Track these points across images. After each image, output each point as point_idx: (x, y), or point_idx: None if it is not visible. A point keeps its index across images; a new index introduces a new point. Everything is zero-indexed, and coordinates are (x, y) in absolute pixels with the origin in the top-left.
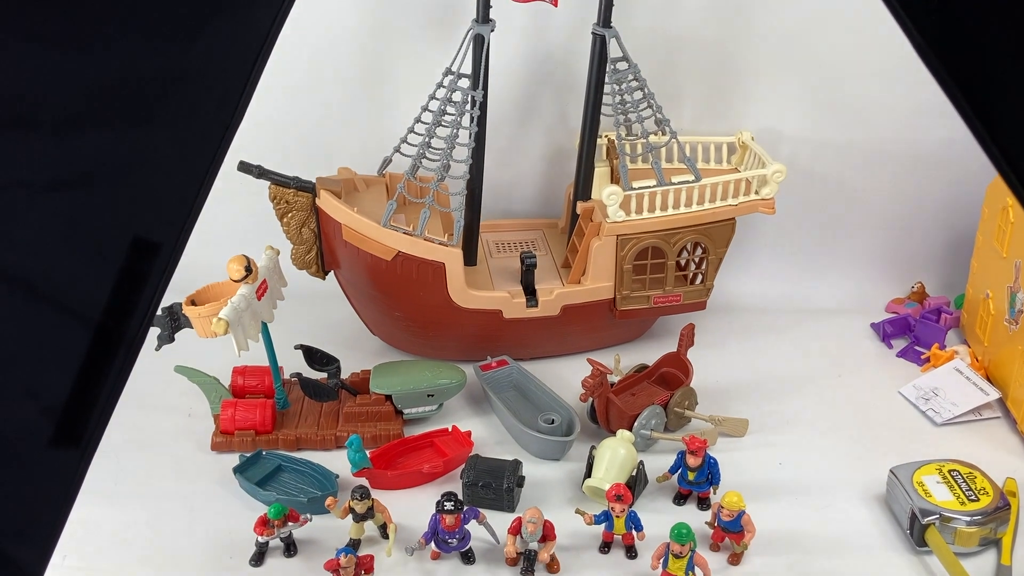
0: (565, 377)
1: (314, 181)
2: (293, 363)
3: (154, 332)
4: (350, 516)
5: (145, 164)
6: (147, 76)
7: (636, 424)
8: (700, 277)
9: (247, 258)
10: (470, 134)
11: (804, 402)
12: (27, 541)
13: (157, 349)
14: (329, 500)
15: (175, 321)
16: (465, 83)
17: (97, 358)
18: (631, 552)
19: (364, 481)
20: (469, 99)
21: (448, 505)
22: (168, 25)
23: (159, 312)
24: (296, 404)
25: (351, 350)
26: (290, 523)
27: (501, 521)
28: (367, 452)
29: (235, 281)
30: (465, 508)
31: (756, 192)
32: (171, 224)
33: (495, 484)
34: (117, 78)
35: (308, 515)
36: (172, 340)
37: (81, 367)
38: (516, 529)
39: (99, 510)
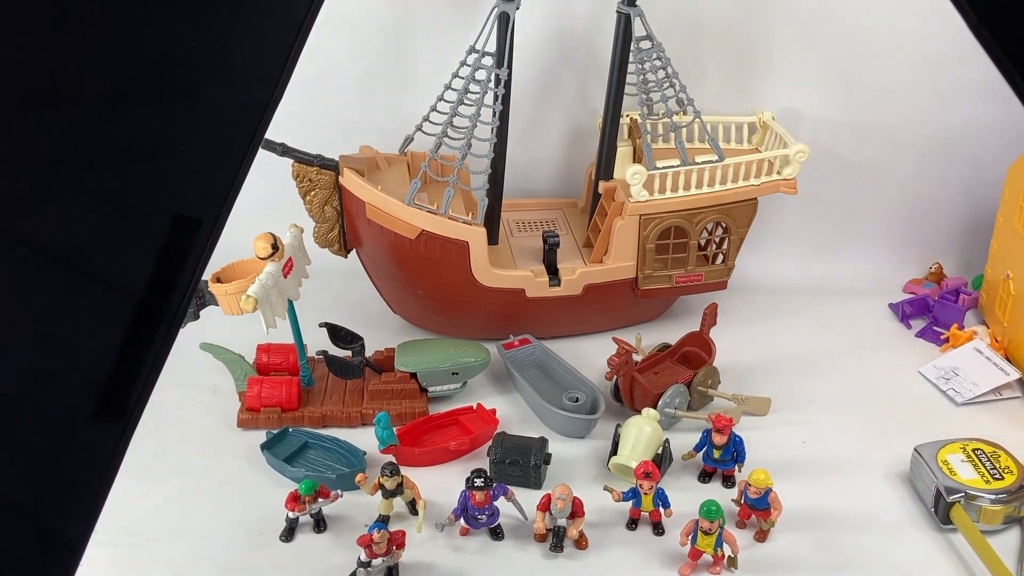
0: (586, 356)
1: (337, 159)
2: (316, 341)
3: None
4: (379, 492)
5: (188, 140)
6: (190, 52)
7: (660, 402)
8: (721, 257)
9: (274, 236)
10: (494, 112)
11: (825, 381)
12: (70, 515)
13: (182, 326)
14: (359, 476)
15: (200, 298)
16: (489, 61)
17: (139, 334)
18: (658, 529)
19: (391, 458)
20: (493, 77)
21: (478, 482)
22: (211, 1)
23: None
24: (320, 382)
25: (372, 328)
26: (320, 499)
27: (527, 498)
28: (394, 429)
29: (262, 259)
30: (494, 485)
31: (778, 172)
32: (212, 201)
33: (522, 461)
34: (161, 54)
35: (339, 491)
36: (197, 317)
37: (123, 342)
38: (545, 506)
39: (126, 485)
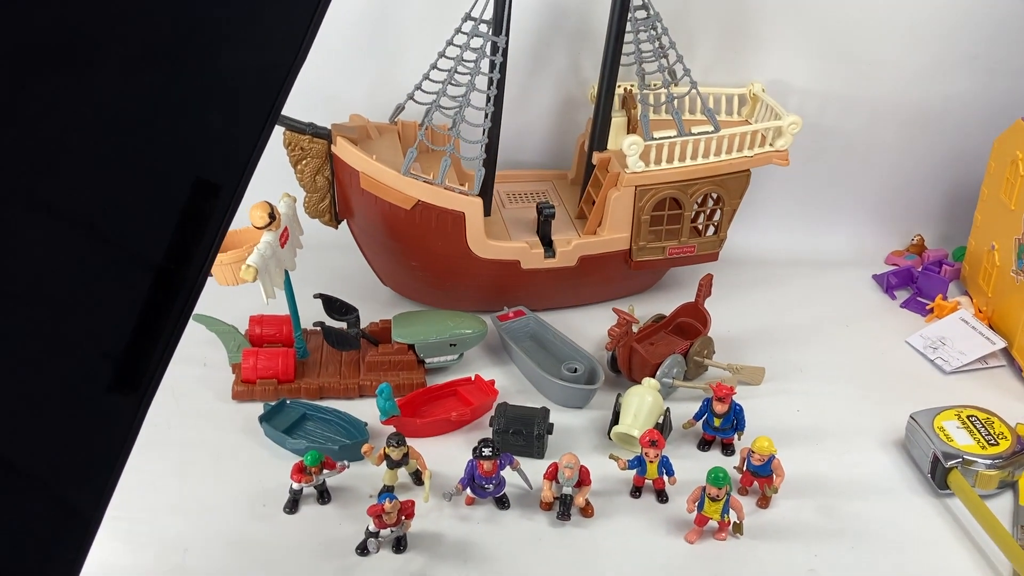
0: (579, 327)
1: (330, 128)
2: (310, 312)
3: None
4: (383, 463)
5: (208, 104)
6: (211, 13)
7: (659, 372)
8: (713, 228)
9: (270, 205)
10: (491, 81)
11: (816, 351)
12: (85, 486)
13: None
14: (365, 447)
15: None
16: (485, 28)
17: (158, 302)
18: (662, 496)
19: (391, 429)
20: (490, 45)
21: (486, 451)
22: None
23: None
24: (315, 353)
25: (363, 300)
26: (326, 470)
27: (531, 467)
28: (396, 400)
29: (258, 228)
30: (501, 454)
31: (770, 144)
32: (232, 166)
33: (526, 431)
34: (180, 15)
35: (345, 462)
36: None
37: (142, 311)
38: (552, 474)
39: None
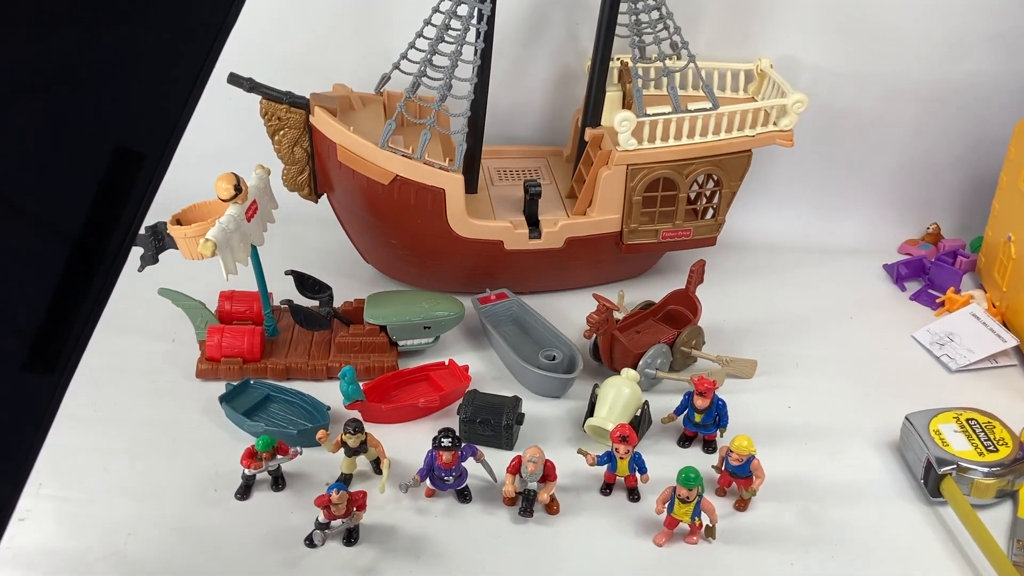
0: (566, 312)
1: (308, 97)
2: (283, 289)
3: (137, 252)
4: (342, 450)
5: (129, 66)
6: None
7: (641, 363)
8: (711, 212)
9: (236, 176)
10: (476, 51)
11: (815, 344)
12: None
13: (140, 270)
14: (320, 433)
15: (159, 241)
16: None
17: (75, 278)
18: (633, 495)
19: (357, 414)
20: (476, 12)
21: (446, 441)
22: None
23: (142, 231)
24: (286, 332)
25: (344, 278)
26: (279, 456)
27: (499, 459)
28: (360, 384)
29: (223, 201)
30: (463, 445)
31: (774, 123)
32: (157, 133)
33: (494, 421)
34: None
35: (298, 448)
36: (156, 261)
37: (58, 287)
38: (516, 468)
39: (77, 436)
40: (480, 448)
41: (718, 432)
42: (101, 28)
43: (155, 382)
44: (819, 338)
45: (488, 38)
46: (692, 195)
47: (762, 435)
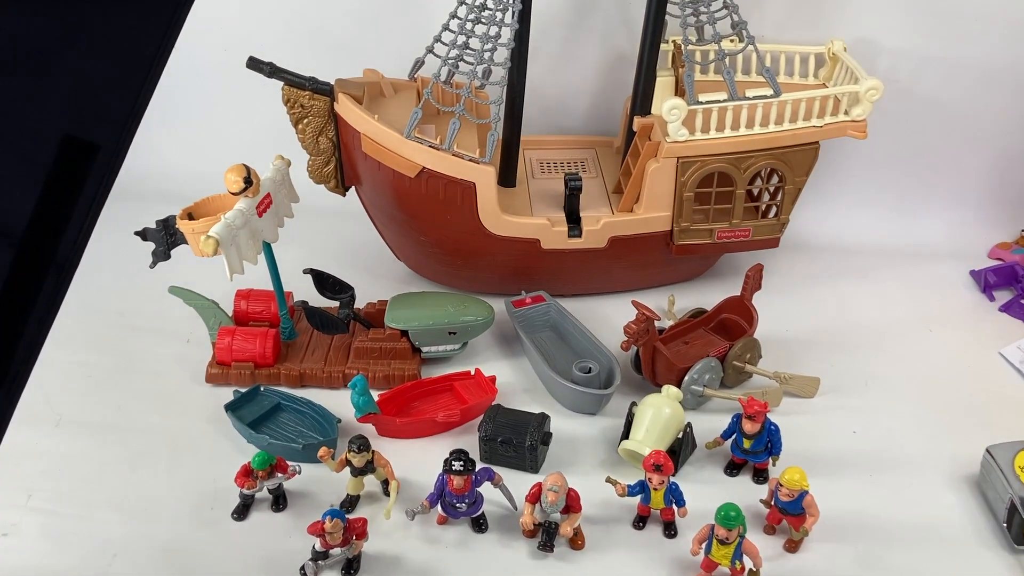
0: (610, 318)
1: (333, 83)
2: (305, 289)
3: (149, 247)
4: (347, 469)
5: (79, 48)
6: None
7: (687, 378)
8: (774, 210)
9: (247, 168)
10: (512, 32)
11: (888, 360)
12: None
13: (152, 266)
14: (322, 451)
15: (171, 236)
16: None
17: (22, 281)
18: (670, 530)
19: (371, 427)
20: None
21: (457, 465)
22: None
23: (153, 225)
24: (304, 335)
25: (374, 276)
26: (278, 474)
27: (522, 483)
28: (374, 395)
29: (233, 194)
30: (478, 468)
31: (845, 112)
32: (111, 121)
33: (516, 440)
34: None
35: (296, 466)
36: (168, 257)
37: (2, 292)
38: (535, 496)
39: (75, 444)
40: (502, 471)
41: (770, 460)
42: (47, 7)
43: (162, 386)
44: (893, 353)
45: (524, 18)
46: (754, 191)
47: (822, 464)
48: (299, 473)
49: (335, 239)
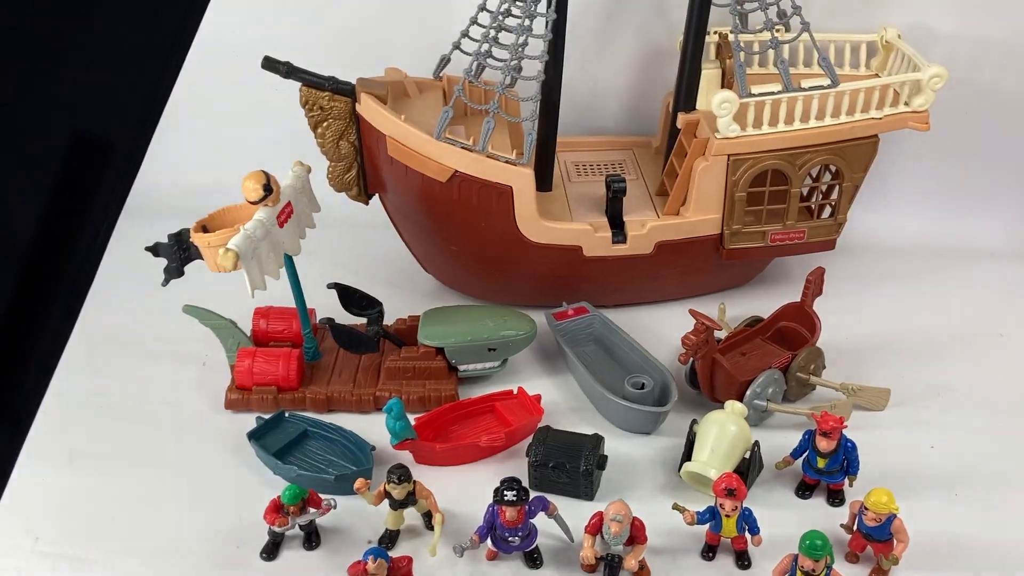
0: (658, 330)
1: (354, 83)
2: (328, 305)
3: (161, 264)
4: (385, 502)
5: (90, 37)
6: None
7: (749, 392)
8: (829, 209)
9: (266, 175)
10: (547, 23)
11: (959, 367)
12: None
13: (164, 284)
14: (359, 482)
15: (184, 251)
16: None
17: (28, 305)
18: (743, 560)
19: (408, 455)
20: None
21: (509, 495)
22: None
23: (165, 240)
24: (329, 355)
25: (402, 290)
26: (311, 509)
27: (577, 513)
28: (411, 419)
29: (252, 203)
30: (532, 497)
31: (905, 103)
32: (127, 116)
33: (570, 465)
34: None
35: (331, 500)
36: (181, 274)
37: (7, 318)
38: (596, 527)
39: (85, 480)
40: (553, 500)
41: (846, 480)
42: None
43: (179, 414)
44: (964, 360)
45: (561, 8)
46: (805, 190)
47: (899, 482)
48: (335, 508)
49: (357, 251)
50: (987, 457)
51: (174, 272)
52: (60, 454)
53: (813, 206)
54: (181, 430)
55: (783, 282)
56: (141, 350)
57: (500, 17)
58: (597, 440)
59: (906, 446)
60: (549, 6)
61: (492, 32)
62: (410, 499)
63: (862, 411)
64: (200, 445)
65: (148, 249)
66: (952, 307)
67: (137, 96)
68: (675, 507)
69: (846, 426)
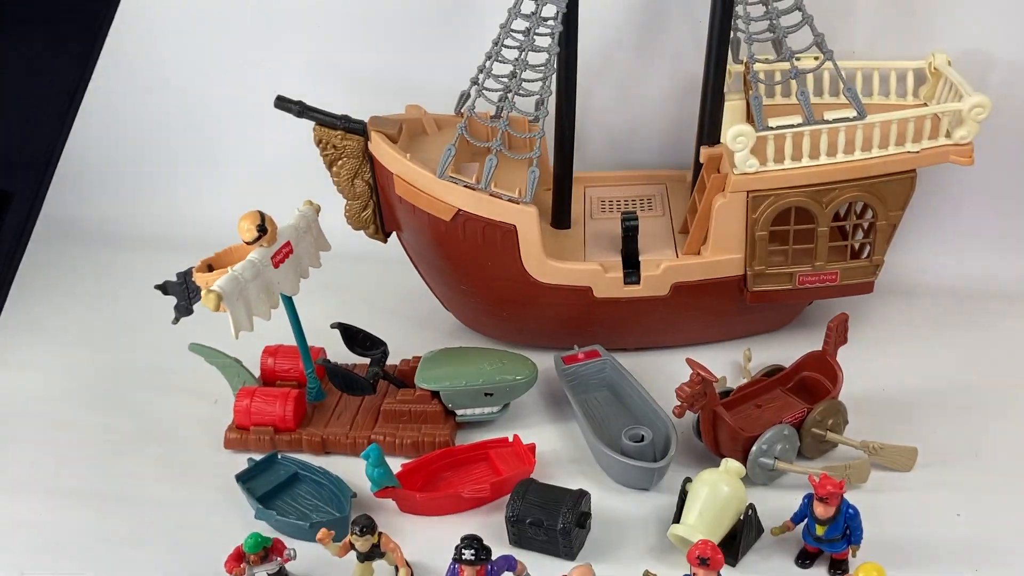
0: (679, 376)
1: (365, 121)
2: (341, 345)
3: (171, 302)
4: (353, 554)
5: None
6: None
7: (754, 449)
8: (866, 250)
9: (261, 215)
10: (551, 57)
11: (1002, 426)
12: None
13: (174, 322)
14: (321, 533)
15: (192, 289)
16: None
17: None
18: None
19: (392, 504)
20: (541, 9)
21: (467, 553)
22: None
23: (173, 278)
24: (332, 396)
25: (422, 329)
26: (276, 557)
27: (558, 572)
28: (398, 465)
29: (247, 243)
30: (496, 557)
31: (947, 135)
32: (31, 164)
33: (548, 522)
34: None
35: (291, 551)
36: (190, 312)
37: None
38: None
39: (76, 515)
40: (533, 558)
41: (849, 550)
42: None
43: (181, 451)
44: (1006, 418)
45: (570, 41)
46: (848, 227)
47: (915, 554)
48: (293, 559)
49: (383, 287)
50: (1020, 532)
51: (183, 310)
52: (52, 488)
53: (855, 245)
54: (178, 468)
55: (824, 328)
56: (161, 385)
57: (506, 52)
58: (579, 496)
59: (929, 513)
60: (554, 39)
61: (500, 67)
62: (375, 551)
63: (884, 471)
64: (194, 485)
65: (157, 287)
66: (998, 357)
67: (39, 139)
68: (646, 574)
69: (846, 490)
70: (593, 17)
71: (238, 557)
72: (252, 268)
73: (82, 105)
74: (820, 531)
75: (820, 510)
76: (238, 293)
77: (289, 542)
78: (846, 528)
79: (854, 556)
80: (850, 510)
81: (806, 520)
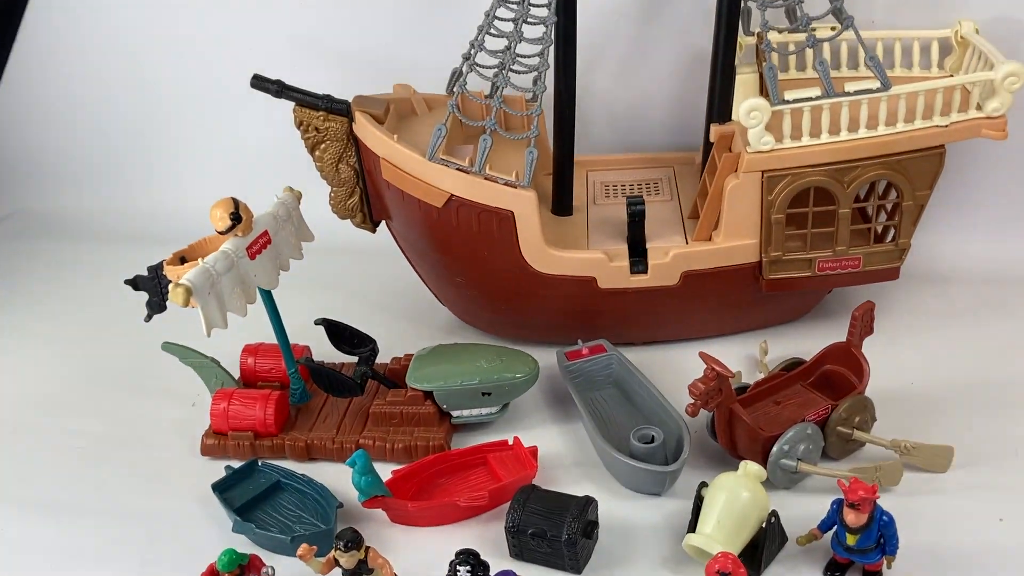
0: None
1: (349, 101)
2: (322, 341)
3: (143, 298)
4: (337, 571)
5: None
6: None
7: (775, 450)
8: (891, 233)
9: (235, 202)
10: (546, 27)
11: None
12: None
13: (147, 319)
14: (302, 548)
15: (163, 284)
16: None
17: None
18: None
19: (381, 514)
20: None
21: (463, 570)
22: None
23: (145, 273)
24: (318, 398)
25: (414, 325)
26: (252, 575)
27: None
28: (388, 472)
29: (220, 233)
30: (495, 573)
31: (978, 107)
32: None
33: (551, 533)
34: None
35: (269, 568)
36: (164, 308)
37: None
38: None
39: (43, 530)
40: (536, 571)
41: (884, 560)
42: None
43: (156, 459)
44: None
45: (570, 12)
46: (870, 210)
47: (955, 563)
48: (271, 575)
49: (376, 280)
50: None
51: (156, 307)
52: (19, 499)
53: (878, 229)
54: (152, 477)
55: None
56: (133, 387)
57: (500, 24)
58: (586, 503)
59: (968, 517)
60: (552, 9)
61: (492, 41)
62: (362, 568)
63: (918, 472)
64: (169, 495)
65: (128, 283)
66: None
67: None
68: None
69: (878, 495)
70: None
71: (211, 575)
72: (225, 260)
73: (40, 89)
74: (851, 540)
75: (851, 517)
76: (209, 287)
77: (269, 558)
78: (880, 537)
79: (889, 567)
80: (884, 517)
81: (835, 528)
